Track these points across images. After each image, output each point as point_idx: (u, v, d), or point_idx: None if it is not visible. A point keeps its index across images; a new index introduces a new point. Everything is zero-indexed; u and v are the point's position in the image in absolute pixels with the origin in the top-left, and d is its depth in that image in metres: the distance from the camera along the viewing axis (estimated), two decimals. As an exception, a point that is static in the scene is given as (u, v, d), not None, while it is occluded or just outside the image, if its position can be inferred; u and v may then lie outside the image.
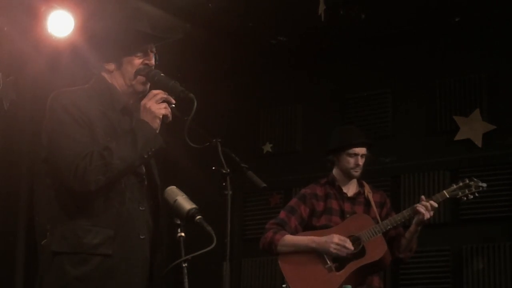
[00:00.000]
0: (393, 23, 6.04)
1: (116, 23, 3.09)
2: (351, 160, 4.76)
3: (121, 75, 3.06)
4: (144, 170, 3.05)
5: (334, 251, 4.55)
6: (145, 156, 2.91)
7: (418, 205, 4.56)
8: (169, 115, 2.96)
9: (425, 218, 4.53)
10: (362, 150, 4.76)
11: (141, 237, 2.96)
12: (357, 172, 4.77)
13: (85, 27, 3.24)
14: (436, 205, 4.56)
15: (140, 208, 2.98)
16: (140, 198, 2.99)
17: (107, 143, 2.87)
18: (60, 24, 5.53)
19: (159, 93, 2.96)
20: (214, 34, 6.13)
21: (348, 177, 4.81)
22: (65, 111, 2.91)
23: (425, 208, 4.53)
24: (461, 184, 4.67)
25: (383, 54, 6.36)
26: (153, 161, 3.13)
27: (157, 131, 2.94)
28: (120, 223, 2.90)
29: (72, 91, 3.02)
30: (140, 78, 3.05)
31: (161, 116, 2.94)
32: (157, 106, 2.93)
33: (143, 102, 2.97)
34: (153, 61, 3.08)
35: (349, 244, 4.55)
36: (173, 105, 2.98)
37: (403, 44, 6.25)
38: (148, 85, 3.06)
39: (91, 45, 3.10)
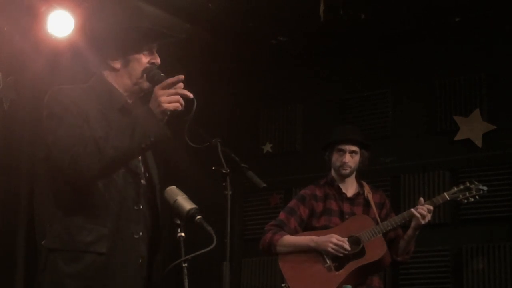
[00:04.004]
0: (393, 23, 6.04)
1: (119, 21, 3.07)
2: (339, 157, 4.74)
3: (127, 73, 3.03)
4: (142, 170, 3.04)
5: (332, 250, 4.55)
6: (143, 146, 2.80)
7: (418, 208, 4.55)
8: (179, 109, 2.81)
9: (423, 222, 4.54)
10: (350, 147, 4.73)
11: (135, 236, 2.93)
12: (345, 170, 4.74)
13: (86, 26, 3.20)
14: (431, 208, 4.57)
15: (135, 207, 2.95)
16: (136, 197, 2.96)
17: (105, 133, 2.82)
18: (60, 24, 5.53)
19: (177, 86, 2.81)
20: (215, 35, 6.13)
21: (340, 176, 4.79)
22: (62, 106, 2.88)
23: (424, 212, 4.53)
24: (461, 187, 4.69)
25: (383, 54, 6.36)
26: (151, 161, 3.11)
27: (162, 122, 2.80)
28: (114, 222, 2.88)
29: (70, 88, 3.00)
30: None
31: (167, 109, 2.78)
32: (168, 98, 2.79)
33: (156, 88, 2.84)
34: (158, 60, 3.05)
35: (347, 245, 4.56)
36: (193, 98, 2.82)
37: (403, 44, 6.25)
38: None
39: (93, 44, 3.08)
